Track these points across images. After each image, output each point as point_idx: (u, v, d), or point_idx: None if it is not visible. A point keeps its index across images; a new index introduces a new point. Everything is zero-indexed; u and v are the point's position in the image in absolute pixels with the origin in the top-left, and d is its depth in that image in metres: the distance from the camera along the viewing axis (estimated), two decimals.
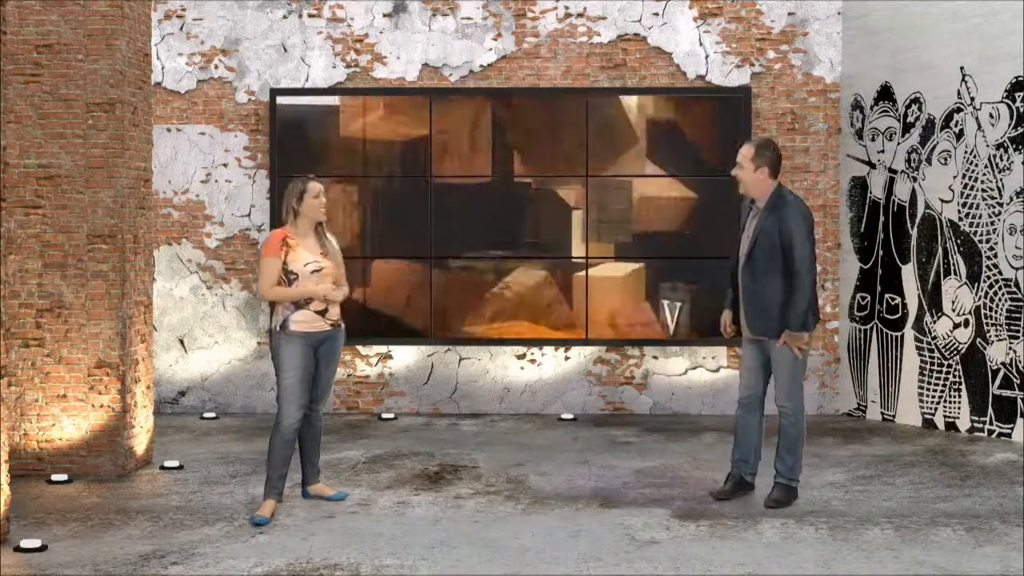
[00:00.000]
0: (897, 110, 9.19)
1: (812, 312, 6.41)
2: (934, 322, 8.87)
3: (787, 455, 6.45)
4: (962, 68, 8.69)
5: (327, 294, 6.29)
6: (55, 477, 7.02)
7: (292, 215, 6.35)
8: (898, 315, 9.16)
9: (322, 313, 6.31)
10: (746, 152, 6.44)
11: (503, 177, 9.57)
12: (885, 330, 9.27)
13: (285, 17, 9.75)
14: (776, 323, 6.37)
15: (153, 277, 7.97)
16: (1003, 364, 8.37)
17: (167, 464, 7.46)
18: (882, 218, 9.29)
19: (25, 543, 5.54)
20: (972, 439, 8.45)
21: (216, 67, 9.74)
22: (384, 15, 9.75)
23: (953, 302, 8.72)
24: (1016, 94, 8.32)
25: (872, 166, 9.40)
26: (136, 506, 6.46)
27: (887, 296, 9.25)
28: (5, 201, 6.41)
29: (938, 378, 8.85)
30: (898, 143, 9.18)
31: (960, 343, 8.68)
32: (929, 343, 8.91)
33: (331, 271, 6.38)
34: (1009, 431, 8.35)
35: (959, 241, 8.67)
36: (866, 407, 9.46)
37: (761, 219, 6.40)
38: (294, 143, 9.55)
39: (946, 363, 8.79)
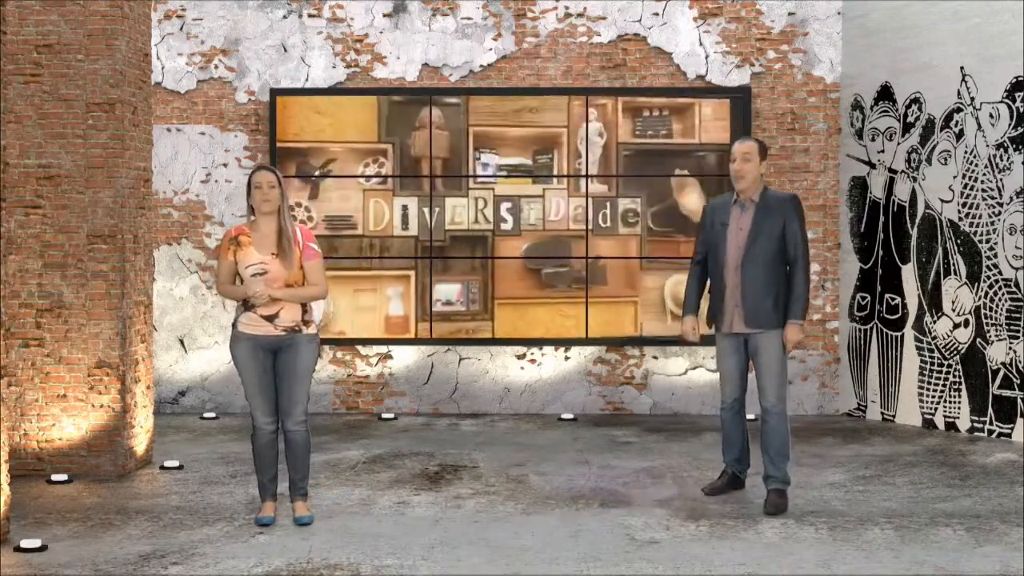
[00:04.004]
0: (897, 110, 9.19)
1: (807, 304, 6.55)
2: (934, 322, 8.87)
3: (780, 460, 6.37)
4: (962, 68, 8.69)
5: (255, 295, 5.82)
6: (55, 477, 7.02)
7: (249, 209, 6.02)
8: (898, 315, 9.17)
9: (270, 318, 5.89)
10: (751, 147, 6.50)
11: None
12: (885, 330, 9.27)
13: (285, 17, 9.75)
14: (774, 314, 6.37)
15: (153, 277, 7.97)
16: (1003, 364, 8.37)
17: (167, 464, 7.46)
18: (882, 218, 9.29)
19: (25, 543, 5.54)
20: (972, 439, 8.45)
21: (216, 67, 9.75)
22: (384, 15, 9.75)
23: (953, 302, 8.72)
24: (1016, 94, 8.32)
25: (872, 166, 9.40)
26: (136, 506, 6.46)
27: (887, 296, 9.25)
28: (5, 201, 6.42)
29: (938, 378, 8.85)
30: (898, 143, 9.18)
31: (960, 343, 8.68)
32: (929, 343, 8.91)
33: (278, 273, 5.88)
34: (1009, 431, 8.35)
35: (959, 241, 8.67)
36: (866, 407, 9.46)
37: (757, 213, 6.42)
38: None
39: (946, 363, 8.79)
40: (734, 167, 6.48)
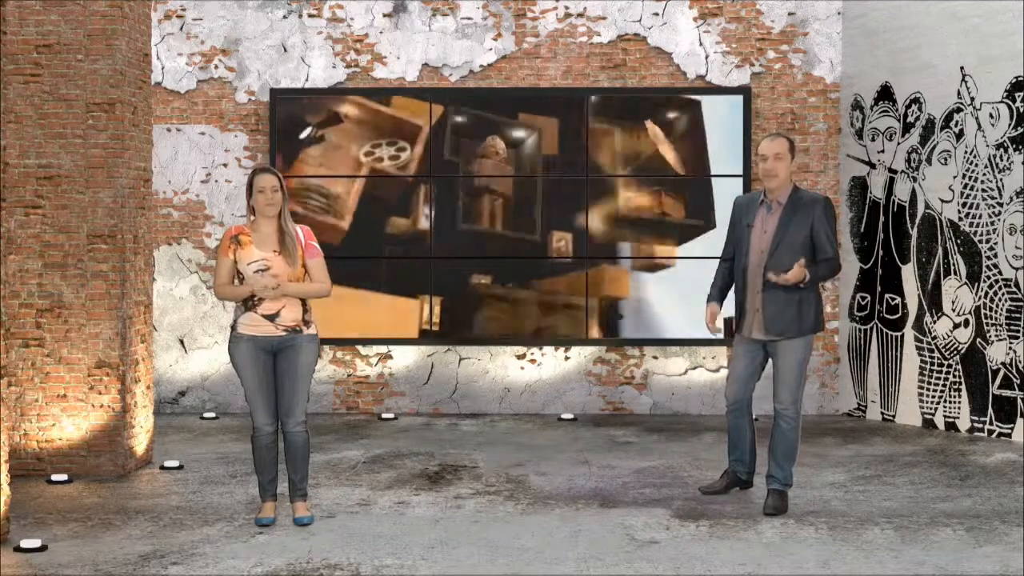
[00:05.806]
0: (897, 110, 9.19)
1: (820, 316, 6.34)
2: (934, 322, 8.87)
3: (785, 462, 6.32)
4: (962, 68, 8.69)
5: (257, 286, 5.80)
6: (55, 477, 7.02)
7: (249, 210, 6.00)
8: (898, 315, 9.17)
9: (271, 317, 5.88)
10: (783, 145, 6.30)
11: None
12: (885, 330, 9.27)
13: (285, 17, 9.75)
14: (796, 322, 6.23)
15: (153, 277, 7.97)
16: (1003, 364, 8.37)
17: (167, 464, 7.46)
18: (882, 218, 9.29)
19: (25, 543, 5.54)
20: (972, 439, 8.45)
21: (216, 67, 9.75)
22: (384, 15, 9.76)
23: (953, 302, 8.72)
24: (1016, 94, 8.33)
25: (872, 166, 9.40)
26: (136, 506, 6.46)
27: (887, 296, 9.25)
28: (5, 201, 6.42)
29: (938, 378, 8.85)
30: (898, 143, 9.18)
31: (960, 343, 8.68)
32: (929, 343, 8.91)
33: (281, 270, 5.88)
34: (1009, 431, 8.35)
35: (959, 241, 8.67)
36: (866, 407, 9.46)
37: (784, 215, 6.26)
38: None
39: (946, 363, 8.79)
40: (765, 167, 6.28)
